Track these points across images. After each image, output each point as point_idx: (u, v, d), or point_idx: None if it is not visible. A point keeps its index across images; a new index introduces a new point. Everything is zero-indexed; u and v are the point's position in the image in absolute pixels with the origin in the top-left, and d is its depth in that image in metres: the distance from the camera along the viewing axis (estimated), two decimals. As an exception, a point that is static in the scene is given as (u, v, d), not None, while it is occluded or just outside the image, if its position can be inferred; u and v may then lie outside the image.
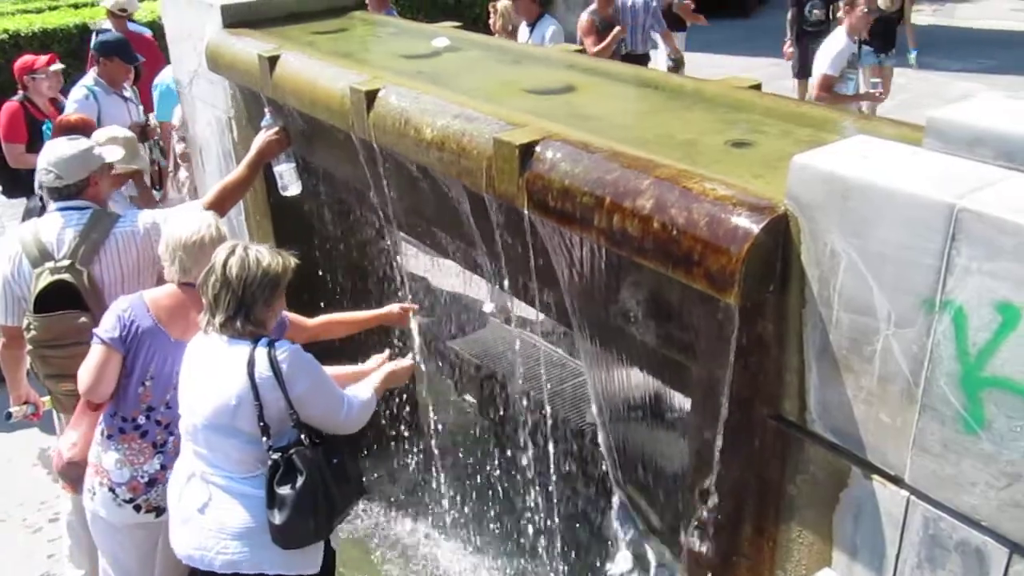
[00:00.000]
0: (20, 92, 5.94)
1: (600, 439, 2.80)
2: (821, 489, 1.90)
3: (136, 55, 5.82)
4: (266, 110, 3.73)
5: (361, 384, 2.93)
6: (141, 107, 6.00)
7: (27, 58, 6.10)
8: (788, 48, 9.03)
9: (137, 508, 2.97)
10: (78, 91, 5.75)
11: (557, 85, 3.04)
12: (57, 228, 3.26)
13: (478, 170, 2.44)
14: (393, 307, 3.60)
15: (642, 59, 7.89)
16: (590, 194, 2.07)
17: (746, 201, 1.80)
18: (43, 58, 6.00)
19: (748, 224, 1.75)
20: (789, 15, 9.01)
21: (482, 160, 2.41)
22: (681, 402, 2.47)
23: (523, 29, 7.01)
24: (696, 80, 2.94)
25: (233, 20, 4.14)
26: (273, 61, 3.48)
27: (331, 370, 2.92)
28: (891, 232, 1.59)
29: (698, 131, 2.45)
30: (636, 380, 2.59)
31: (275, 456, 2.61)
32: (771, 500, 2.02)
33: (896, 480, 1.74)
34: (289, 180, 3.77)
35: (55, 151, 3.33)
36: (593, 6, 7.54)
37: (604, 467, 2.84)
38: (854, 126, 2.38)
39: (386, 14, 6.56)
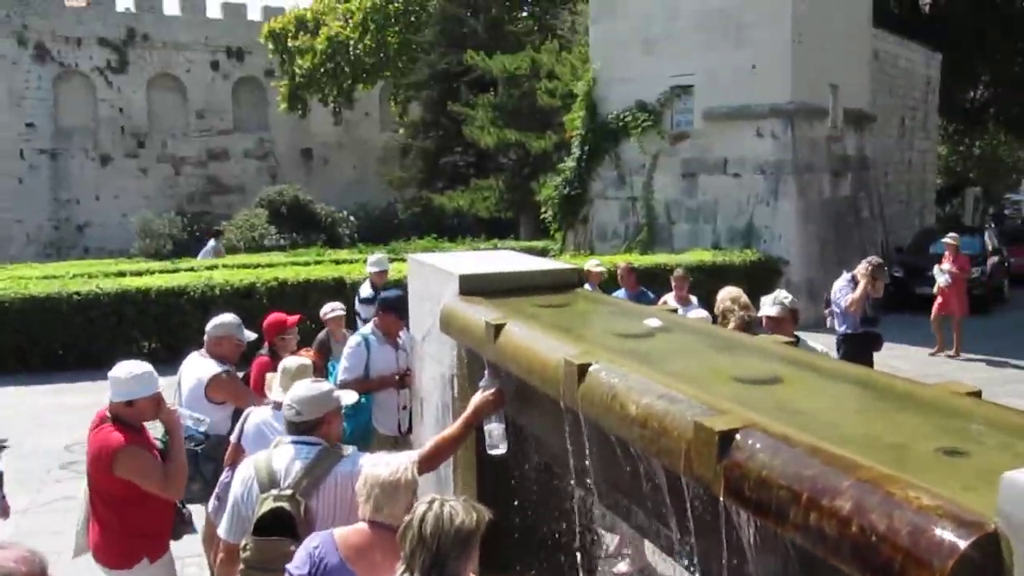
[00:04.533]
0: (266, 346, 6.38)
1: None
2: None
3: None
4: (486, 371, 4.02)
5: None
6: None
7: (276, 317, 6.48)
8: None
9: None
10: (354, 338, 6.34)
11: (765, 375, 3.09)
12: (287, 459, 3.59)
13: (677, 451, 2.50)
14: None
15: None
16: (787, 488, 2.07)
17: (952, 513, 1.73)
18: (292, 319, 6.46)
19: (953, 538, 1.68)
20: None
21: (681, 442, 2.48)
22: None
23: None
24: (910, 382, 2.90)
25: (468, 289, 4.58)
26: (499, 329, 3.80)
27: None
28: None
29: (907, 435, 2.40)
30: None
31: None
32: None
33: None
34: (497, 439, 3.95)
35: (299, 390, 3.75)
36: None
37: None
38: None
39: (637, 295, 6.85)
